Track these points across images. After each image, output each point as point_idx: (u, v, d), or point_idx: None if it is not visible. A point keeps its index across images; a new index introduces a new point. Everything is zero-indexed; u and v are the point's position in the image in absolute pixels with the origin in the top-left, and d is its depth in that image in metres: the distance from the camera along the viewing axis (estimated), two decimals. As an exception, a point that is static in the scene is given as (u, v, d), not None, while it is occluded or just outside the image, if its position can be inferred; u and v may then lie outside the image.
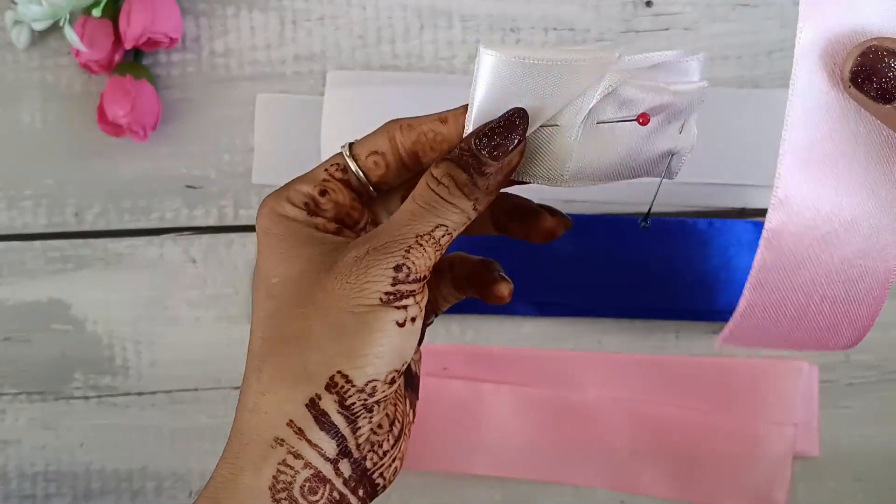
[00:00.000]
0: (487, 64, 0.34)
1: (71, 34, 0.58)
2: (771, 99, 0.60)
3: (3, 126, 0.63)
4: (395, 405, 0.35)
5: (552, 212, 0.38)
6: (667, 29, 0.62)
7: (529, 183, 0.35)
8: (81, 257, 0.62)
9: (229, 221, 0.62)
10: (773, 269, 0.32)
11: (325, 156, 0.61)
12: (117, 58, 0.60)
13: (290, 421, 0.32)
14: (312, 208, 0.35)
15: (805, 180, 0.31)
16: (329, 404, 0.32)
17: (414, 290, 0.33)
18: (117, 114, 0.58)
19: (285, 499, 0.32)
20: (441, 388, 0.60)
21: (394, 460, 0.35)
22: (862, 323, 0.34)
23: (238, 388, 0.63)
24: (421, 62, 0.62)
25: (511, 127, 0.33)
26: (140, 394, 0.62)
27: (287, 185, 0.36)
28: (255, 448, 0.32)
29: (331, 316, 0.32)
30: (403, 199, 0.35)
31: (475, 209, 0.33)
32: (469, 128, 0.34)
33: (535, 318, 0.61)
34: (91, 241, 0.62)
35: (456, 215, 0.33)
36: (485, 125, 0.33)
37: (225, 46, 0.63)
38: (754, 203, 0.60)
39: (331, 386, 0.32)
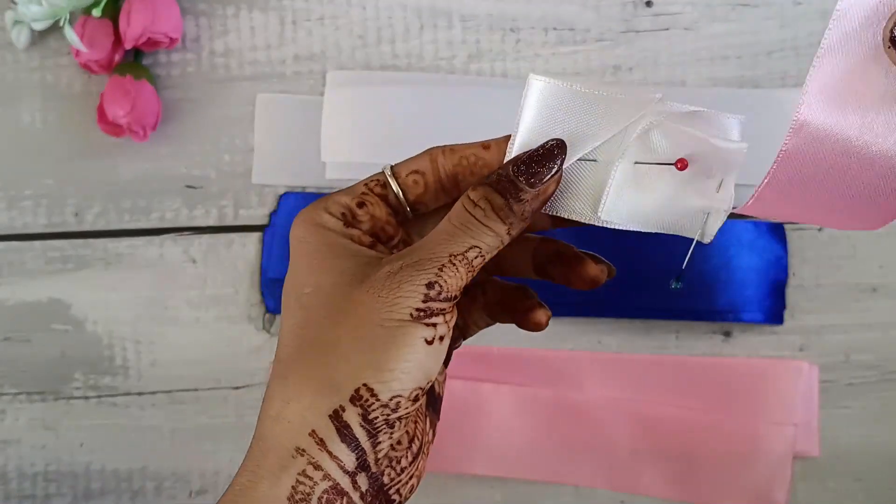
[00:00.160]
0: (535, 90, 0.35)
1: (71, 34, 0.58)
2: (771, 99, 0.60)
3: (3, 126, 0.63)
4: (416, 423, 0.35)
5: (596, 259, 0.38)
6: (667, 29, 0.62)
7: (565, 218, 0.35)
8: (81, 257, 0.62)
9: (229, 221, 0.62)
10: (805, 141, 0.31)
11: (326, 156, 0.61)
12: (117, 58, 0.60)
13: (313, 431, 0.32)
14: (349, 219, 0.36)
15: (829, 110, 0.30)
16: (352, 417, 0.32)
17: (444, 309, 0.33)
18: (117, 114, 0.58)
19: None
20: (441, 388, 0.60)
21: (411, 477, 0.35)
22: None
23: (238, 388, 0.63)
24: (421, 62, 0.62)
25: (550, 156, 0.34)
26: (140, 394, 0.62)
27: (326, 196, 0.36)
28: (275, 456, 0.32)
29: (361, 328, 0.33)
30: (437, 224, 0.36)
31: (509, 234, 0.34)
32: (511, 154, 0.35)
33: (535, 318, 0.61)
34: (91, 241, 0.62)
35: (490, 238, 0.34)
36: (524, 153, 0.34)
37: (225, 46, 0.63)
38: (754, 203, 0.60)
39: (356, 398, 0.32)
